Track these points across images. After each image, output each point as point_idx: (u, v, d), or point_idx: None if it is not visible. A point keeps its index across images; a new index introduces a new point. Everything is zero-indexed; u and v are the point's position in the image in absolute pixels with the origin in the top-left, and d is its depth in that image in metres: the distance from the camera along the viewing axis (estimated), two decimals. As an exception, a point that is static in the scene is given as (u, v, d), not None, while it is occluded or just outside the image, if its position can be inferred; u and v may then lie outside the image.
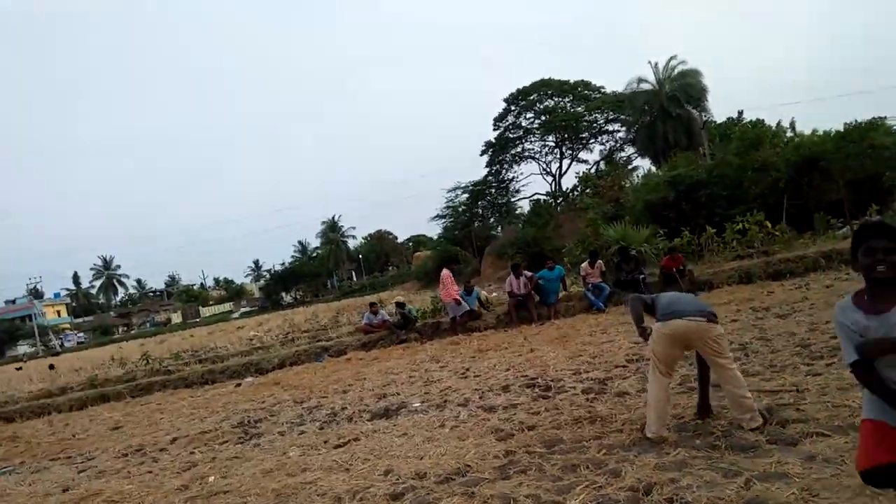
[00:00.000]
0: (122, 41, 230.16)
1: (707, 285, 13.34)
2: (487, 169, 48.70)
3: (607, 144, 48.07)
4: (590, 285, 13.58)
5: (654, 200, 20.57)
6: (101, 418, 11.39)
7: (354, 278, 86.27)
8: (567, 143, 47.97)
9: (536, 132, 47.58)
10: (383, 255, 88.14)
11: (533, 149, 48.75)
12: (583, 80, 47.58)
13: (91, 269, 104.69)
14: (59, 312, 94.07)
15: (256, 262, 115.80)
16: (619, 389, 6.52)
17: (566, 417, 5.82)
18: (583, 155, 48.81)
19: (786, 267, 13.23)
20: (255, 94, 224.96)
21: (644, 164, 41.64)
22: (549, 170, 49.47)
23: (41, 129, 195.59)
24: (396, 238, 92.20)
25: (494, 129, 48.36)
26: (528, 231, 33.39)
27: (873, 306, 2.71)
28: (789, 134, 25.87)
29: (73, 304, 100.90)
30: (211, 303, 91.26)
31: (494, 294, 15.34)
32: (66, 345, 75.80)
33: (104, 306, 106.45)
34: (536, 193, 49.53)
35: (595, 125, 47.09)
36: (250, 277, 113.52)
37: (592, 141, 48.13)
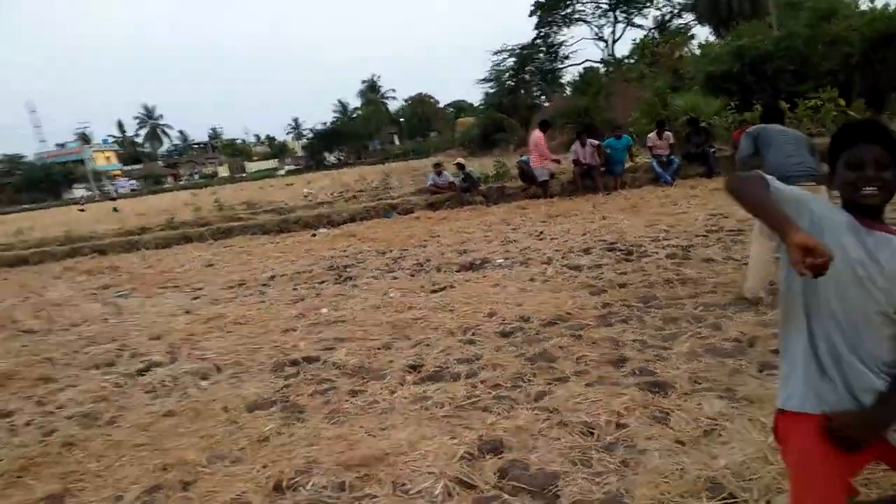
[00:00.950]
0: None
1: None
2: (536, 31, 46.34)
3: (664, 10, 45.24)
4: (658, 157, 13.56)
5: (717, 72, 19.91)
6: (190, 256, 12.25)
7: (397, 142, 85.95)
8: (622, 5, 45.20)
9: (589, -10, 44.69)
10: (425, 120, 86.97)
11: (585, 10, 46.02)
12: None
13: (135, 117, 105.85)
14: (108, 159, 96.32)
15: (296, 120, 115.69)
16: (704, 256, 6.84)
17: (655, 278, 6.20)
18: (637, 20, 46.08)
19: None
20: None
21: (702, 34, 39.43)
22: (601, 35, 47.09)
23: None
24: (437, 102, 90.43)
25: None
26: (579, 100, 32.37)
27: None
28: (864, 6, 24.17)
29: (122, 151, 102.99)
30: (255, 158, 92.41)
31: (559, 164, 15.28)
32: (120, 191, 78.48)
33: (151, 155, 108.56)
34: (588, 60, 47.48)
35: (653, -13, 44.10)
36: (291, 135, 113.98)
37: (648, 4, 45.23)
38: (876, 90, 17.62)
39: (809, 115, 15.43)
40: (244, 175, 75.42)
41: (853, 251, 1.81)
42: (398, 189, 19.51)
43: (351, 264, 9.21)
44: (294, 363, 4.98)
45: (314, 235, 13.14)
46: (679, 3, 43.76)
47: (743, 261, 5.99)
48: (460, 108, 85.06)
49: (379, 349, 5.06)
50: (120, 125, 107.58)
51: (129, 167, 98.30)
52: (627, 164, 14.22)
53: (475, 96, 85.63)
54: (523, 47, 45.02)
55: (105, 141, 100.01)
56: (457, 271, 7.82)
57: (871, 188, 1.83)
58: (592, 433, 3.22)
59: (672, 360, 4.06)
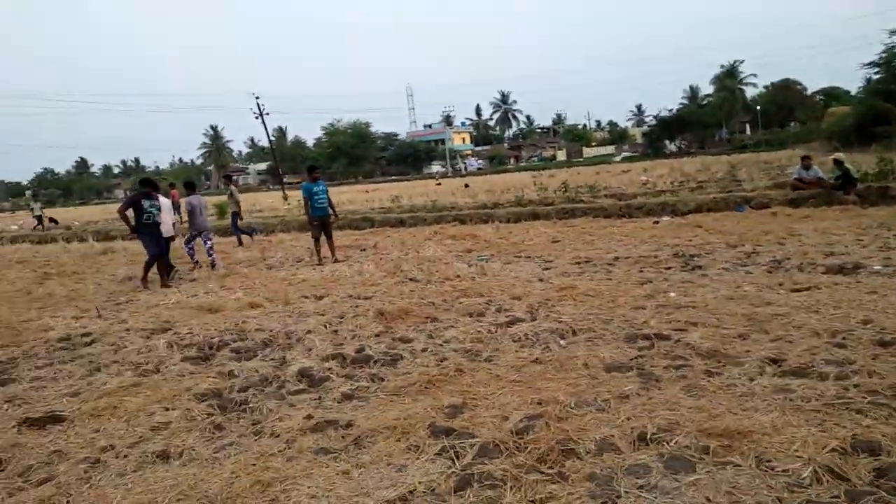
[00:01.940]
0: None
1: None
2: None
3: None
4: None
5: None
6: (538, 232, 13.29)
7: (748, 132, 79.43)
8: None
9: None
10: (786, 108, 78.40)
11: None
12: None
13: (491, 102, 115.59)
14: (463, 139, 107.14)
15: (639, 107, 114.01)
16: None
17: None
18: None
19: None
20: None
21: None
22: None
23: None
24: (805, 89, 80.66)
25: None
26: None
27: None
28: None
29: (475, 133, 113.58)
30: (593, 144, 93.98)
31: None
32: (469, 169, 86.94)
33: (499, 137, 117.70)
34: None
35: None
36: (632, 122, 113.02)
37: None
38: None
39: None
40: (580, 160, 77.30)
41: None
42: (749, 182, 18.30)
43: (698, 254, 9.11)
44: (646, 337, 5.26)
45: (657, 223, 13.17)
46: None
47: None
48: (832, 95, 75.00)
49: (734, 338, 5.06)
50: (477, 109, 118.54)
51: (479, 147, 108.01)
52: None
53: (854, 83, 74.32)
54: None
55: (463, 123, 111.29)
56: (823, 273, 7.26)
57: None
58: None
59: None
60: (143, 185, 10.81)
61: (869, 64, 40.34)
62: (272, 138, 66.11)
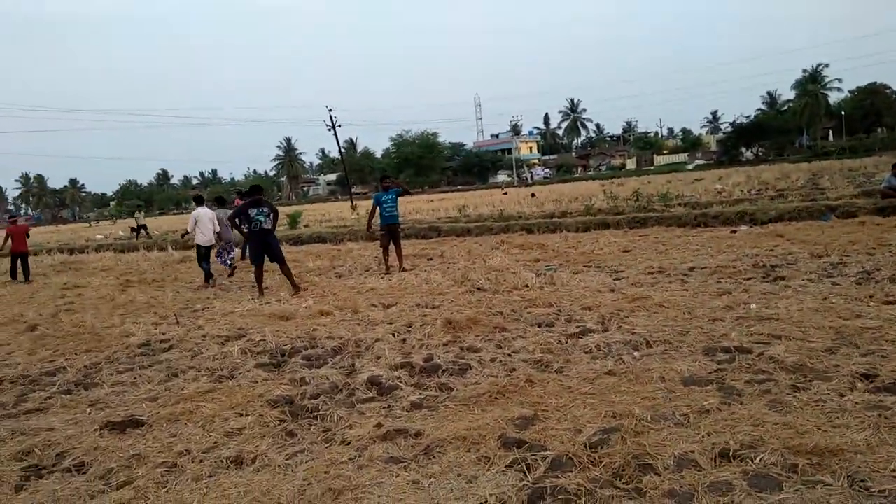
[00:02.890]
0: None
1: None
2: None
3: None
4: None
5: None
6: (608, 241, 13.02)
7: (831, 138, 75.87)
8: None
9: None
10: (873, 114, 74.54)
11: None
12: None
13: (560, 111, 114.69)
14: (531, 148, 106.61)
15: (714, 114, 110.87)
16: None
17: None
18: None
19: None
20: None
21: None
22: None
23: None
24: (894, 94, 76.42)
25: None
26: None
27: None
28: None
29: (542, 142, 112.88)
30: (665, 152, 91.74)
31: None
32: (535, 178, 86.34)
33: (567, 146, 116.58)
34: None
35: None
36: (706, 129, 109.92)
37: None
38: None
39: None
40: (650, 168, 75.62)
41: None
42: (833, 190, 17.44)
43: (780, 264, 8.70)
44: (726, 350, 5.03)
45: (734, 232, 12.68)
46: None
47: None
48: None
49: (822, 352, 4.78)
50: (545, 118, 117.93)
51: (546, 156, 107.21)
52: None
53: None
54: None
55: (531, 132, 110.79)
56: (917, 285, 6.79)
57: None
58: None
59: None
60: (252, 193, 10.62)
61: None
62: (342, 150, 67.51)
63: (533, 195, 35.37)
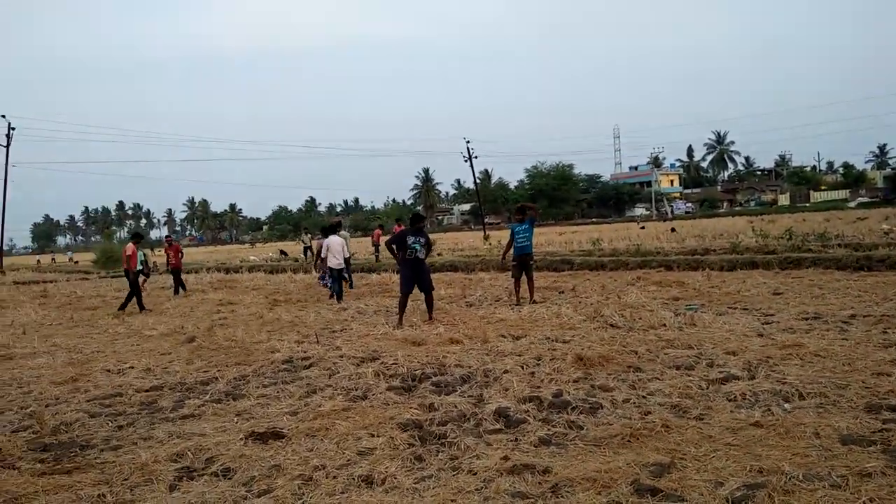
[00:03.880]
0: None
1: None
2: None
3: None
4: None
5: None
6: (756, 282, 12.18)
7: None
8: None
9: None
10: None
11: None
12: None
13: (705, 143, 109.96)
14: (672, 182, 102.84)
15: (882, 148, 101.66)
16: None
17: None
18: None
19: None
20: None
21: None
22: None
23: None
24: None
25: None
26: None
27: None
28: None
29: (685, 175, 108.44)
30: (823, 188, 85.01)
31: None
32: (675, 212, 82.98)
33: (711, 180, 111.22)
34: None
35: None
36: (871, 164, 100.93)
37: None
38: None
39: None
40: (806, 205, 70.34)
41: None
42: None
43: (960, 316, 7.73)
44: (893, 409, 4.53)
45: (903, 277, 11.45)
46: None
47: None
48: None
49: None
50: (689, 151, 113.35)
51: (688, 190, 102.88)
52: None
53: None
54: None
55: (672, 165, 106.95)
56: None
57: None
58: None
59: None
60: (414, 222, 10.56)
61: None
62: (477, 180, 68.62)
63: (673, 230, 34.04)
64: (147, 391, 6.64)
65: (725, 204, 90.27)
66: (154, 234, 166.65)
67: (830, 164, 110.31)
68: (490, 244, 30.20)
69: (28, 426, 5.59)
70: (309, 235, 34.84)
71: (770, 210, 65.57)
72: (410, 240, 10.10)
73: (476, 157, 58.10)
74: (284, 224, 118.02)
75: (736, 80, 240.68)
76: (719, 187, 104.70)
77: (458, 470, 4.02)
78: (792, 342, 6.78)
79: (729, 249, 16.78)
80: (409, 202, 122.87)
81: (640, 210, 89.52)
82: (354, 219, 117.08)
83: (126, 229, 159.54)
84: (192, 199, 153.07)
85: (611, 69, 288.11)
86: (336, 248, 13.87)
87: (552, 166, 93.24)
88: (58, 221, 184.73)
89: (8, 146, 42.14)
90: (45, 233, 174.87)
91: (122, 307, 14.33)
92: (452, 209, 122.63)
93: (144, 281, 14.60)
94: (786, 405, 4.83)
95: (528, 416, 4.98)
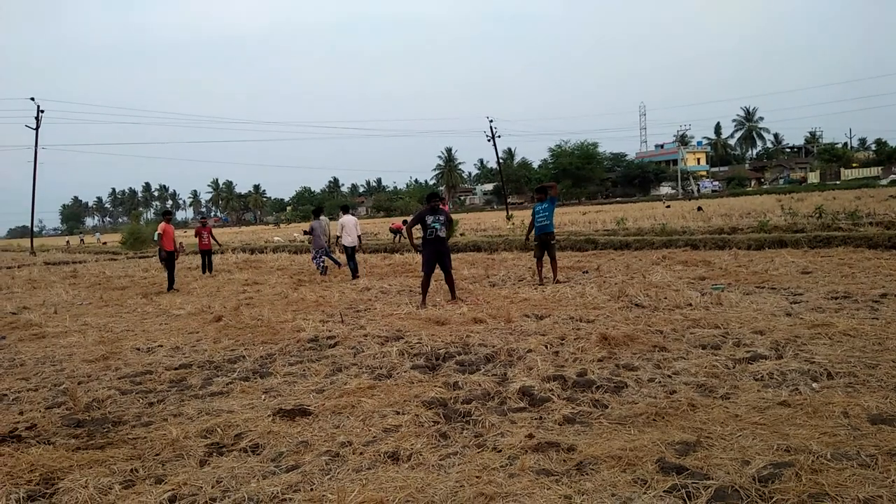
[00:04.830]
0: None
1: None
2: None
3: None
4: None
5: None
6: (784, 261, 12.00)
7: None
8: None
9: None
10: None
11: None
12: None
13: (733, 120, 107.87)
14: (698, 160, 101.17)
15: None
16: None
17: None
18: None
19: None
20: None
21: None
22: None
23: None
24: None
25: None
26: None
27: None
28: None
29: (712, 153, 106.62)
30: (854, 165, 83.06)
31: None
32: (702, 191, 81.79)
33: (739, 158, 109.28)
34: None
35: None
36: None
37: None
38: None
39: None
40: (836, 182, 68.89)
41: None
42: None
43: None
44: (925, 389, 4.45)
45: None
46: None
47: None
48: None
49: None
50: (717, 128, 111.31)
51: (715, 168, 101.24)
52: None
53: None
54: None
55: (699, 143, 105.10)
56: None
57: None
58: None
59: None
60: (430, 200, 10.37)
61: None
62: (500, 160, 68.20)
63: (699, 209, 33.57)
64: (176, 369, 6.76)
65: (753, 182, 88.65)
66: (180, 215, 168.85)
67: (863, 141, 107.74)
68: (513, 224, 30.09)
69: (62, 403, 5.72)
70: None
71: (799, 188, 64.30)
72: (430, 219, 10.03)
73: (499, 137, 57.67)
74: (307, 205, 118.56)
75: (765, 54, 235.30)
76: (747, 165, 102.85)
77: (482, 447, 4.04)
78: (821, 321, 6.69)
79: (756, 228, 16.53)
80: (431, 182, 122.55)
81: (666, 189, 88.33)
82: (377, 199, 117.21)
83: (152, 210, 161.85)
84: (217, 180, 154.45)
85: (637, 43, 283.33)
86: (350, 227, 14.70)
87: (576, 145, 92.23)
88: (86, 203, 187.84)
89: (37, 129, 42.75)
90: (73, 214, 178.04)
91: (170, 287, 14.60)
92: (475, 189, 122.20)
93: (168, 259, 14.85)
94: (814, 384, 4.77)
95: (553, 394, 4.99)
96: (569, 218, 33.69)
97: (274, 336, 8.15)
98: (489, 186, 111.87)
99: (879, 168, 76.98)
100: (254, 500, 3.46)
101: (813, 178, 79.98)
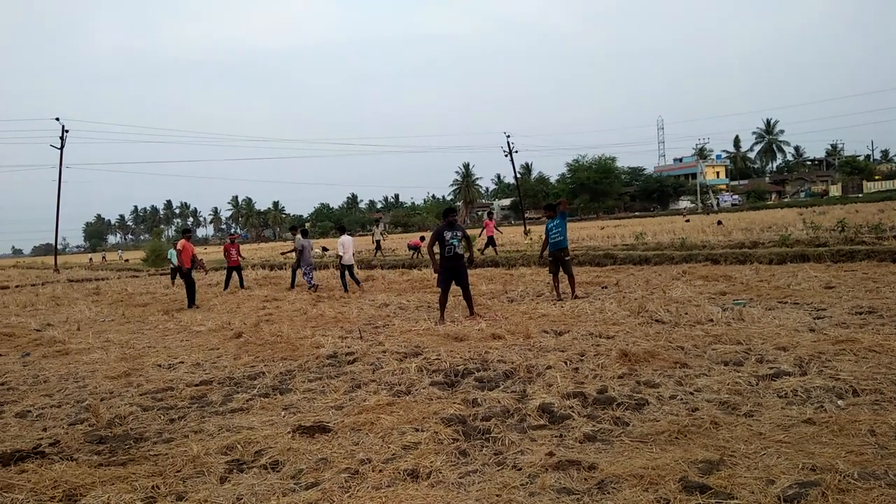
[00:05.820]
0: None
1: None
2: None
3: None
4: None
5: None
6: (807, 275, 11.84)
7: None
8: None
9: None
10: None
11: None
12: None
13: (753, 132, 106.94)
14: (718, 174, 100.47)
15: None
16: None
17: None
18: None
19: None
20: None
21: None
22: None
23: None
24: None
25: None
26: None
27: None
28: None
29: (731, 166, 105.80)
30: (877, 178, 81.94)
31: None
32: (721, 204, 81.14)
33: (759, 171, 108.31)
34: None
35: None
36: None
37: None
38: None
39: None
40: (859, 195, 68.02)
41: None
42: None
43: None
44: (955, 407, 4.36)
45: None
46: None
47: None
48: None
49: None
50: (736, 141, 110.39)
51: (735, 182, 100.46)
52: None
53: None
54: None
55: (718, 156, 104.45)
56: None
57: None
58: None
59: None
60: (446, 215, 10.28)
61: None
62: (518, 175, 68.24)
63: (719, 223, 33.29)
64: (197, 385, 6.81)
65: (774, 196, 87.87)
66: (200, 231, 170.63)
67: (885, 153, 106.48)
68: (531, 239, 29.98)
69: (84, 419, 5.79)
70: (378, 228, 32.11)
71: (821, 201, 63.57)
72: (448, 235, 10.00)
73: (517, 152, 57.67)
74: (326, 220, 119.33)
75: (786, 66, 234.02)
76: (767, 178, 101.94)
77: (502, 465, 4.02)
78: (845, 337, 6.58)
79: (778, 242, 16.33)
80: (448, 197, 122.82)
81: (685, 203, 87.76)
82: (395, 215, 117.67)
83: (174, 227, 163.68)
84: (237, 197, 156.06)
85: (655, 58, 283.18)
86: (349, 245, 15.78)
87: (594, 159, 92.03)
88: (109, 221, 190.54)
89: (62, 148, 43.53)
90: (96, 232, 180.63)
91: (191, 303, 14.71)
92: (492, 204, 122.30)
93: (188, 276, 15.04)
94: (839, 402, 4.69)
95: (573, 412, 4.95)
96: (587, 233, 33.57)
97: (293, 352, 8.19)
98: (507, 201, 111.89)
99: (902, 180, 75.89)
100: (274, 517, 3.46)
101: (834, 191, 79.09)
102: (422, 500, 3.51)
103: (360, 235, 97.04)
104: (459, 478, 3.85)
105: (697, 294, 10.65)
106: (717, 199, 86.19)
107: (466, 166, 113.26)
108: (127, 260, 56.68)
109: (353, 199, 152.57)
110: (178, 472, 4.29)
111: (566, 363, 6.46)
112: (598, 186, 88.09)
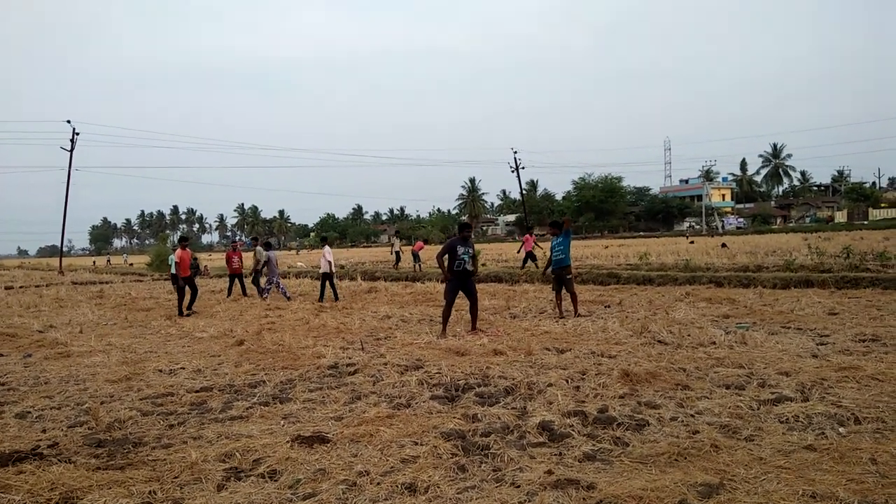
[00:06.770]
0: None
1: None
2: None
3: None
4: None
5: None
6: (811, 301, 11.79)
7: None
8: None
9: None
10: None
11: None
12: None
13: (760, 156, 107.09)
14: (723, 196, 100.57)
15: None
16: None
17: None
18: None
19: None
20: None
21: None
22: None
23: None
24: None
25: None
26: None
27: None
28: None
29: (737, 189, 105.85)
30: (883, 205, 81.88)
31: None
32: (726, 227, 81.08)
33: (765, 195, 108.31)
34: None
35: None
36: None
37: None
38: None
39: None
40: (864, 222, 67.93)
41: None
42: None
43: None
44: (957, 437, 4.33)
45: (970, 300, 10.95)
46: None
47: None
48: None
49: None
50: (742, 164, 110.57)
51: (740, 205, 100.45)
52: None
53: None
54: None
55: (724, 179, 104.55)
56: None
57: None
58: None
59: None
60: (461, 230, 10.27)
61: None
62: (524, 191, 68.36)
63: (724, 245, 33.26)
64: (197, 392, 6.81)
65: (779, 220, 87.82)
66: (205, 238, 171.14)
67: (892, 181, 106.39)
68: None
69: (84, 422, 5.79)
70: (398, 240, 31.98)
71: (826, 227, 63.46)
72: (460, 250, 9.98)
73: (523, 168, 58.02)
74: (331, 231, 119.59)
75: (794, 92, 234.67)
76: (773, 202, 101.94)
77: (501, 482, 4.00)
78: (848, 364, 6.56)
79: (782, 267, 16.31)
80: (454, 211, 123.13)
81: (689, 224, 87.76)
82: (400, 227, 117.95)
83: (179, 233, 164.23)
84: (242, 205, 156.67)
85: (662, 79, 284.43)
86: (328, 256, 16.24)
87: (600, 178, 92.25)
88: (115, 224, 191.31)
89: (72, 151, 43.81)
90: (102, 235, 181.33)
91: (181, 312, 14.60)
92: (497, 220, 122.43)
93: (189, 282, 15.08)
94: (841, 429, 4.67)
95: (573, 430, 4.93)
96: (591, 251, 33.55)
97: (294, 362, 8.18)
98: (511, 217, 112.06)
99: (908, 208, 75.80)
100: (270, 527, 3.45)
101: (840, 217, 79.04)
102: (419, 514, 3.50)
103: (364, 247, 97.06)
104: (457, 493, 3.84)
105: (700, 316, 10.63)
106: (723, 221, 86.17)
107: (472, 181, 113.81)
108: (131, 264, 56.83)
109: (358, 210, 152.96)
110: (176, 478, 4.28)
111: (567, 381, 6.45)
112: (604, 205, 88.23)
